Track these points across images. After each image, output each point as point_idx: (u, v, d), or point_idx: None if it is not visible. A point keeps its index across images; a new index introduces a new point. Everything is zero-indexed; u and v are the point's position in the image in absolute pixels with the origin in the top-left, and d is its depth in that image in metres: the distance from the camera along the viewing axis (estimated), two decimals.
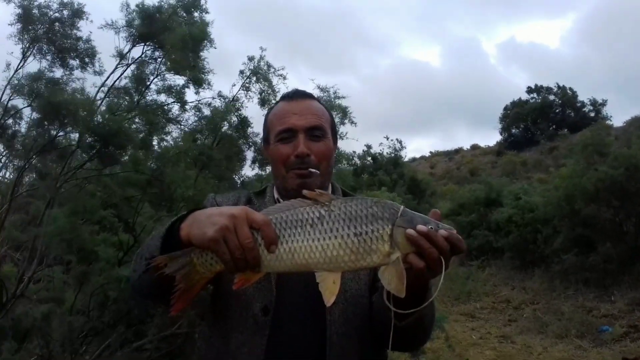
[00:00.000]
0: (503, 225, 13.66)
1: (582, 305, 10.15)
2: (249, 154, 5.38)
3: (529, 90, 43.41)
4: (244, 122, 4.77)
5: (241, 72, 5.28)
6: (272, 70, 5.30)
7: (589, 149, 11.76)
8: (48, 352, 3.92)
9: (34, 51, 3.95)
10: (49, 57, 3.93)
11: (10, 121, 4.41)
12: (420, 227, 1.26)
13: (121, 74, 4.57)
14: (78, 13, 4.19)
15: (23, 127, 4.21)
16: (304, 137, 1.73)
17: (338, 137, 1.98)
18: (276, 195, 1.87)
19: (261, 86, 5.19)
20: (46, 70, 3.86)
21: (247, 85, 5.20)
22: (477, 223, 14.75)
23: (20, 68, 3.90)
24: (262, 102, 5.16)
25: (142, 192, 3.96)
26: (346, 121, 5.92)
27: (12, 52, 3.96)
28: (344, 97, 6.08)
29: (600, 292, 10.53)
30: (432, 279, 1.37)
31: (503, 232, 13.68)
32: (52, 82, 3.73)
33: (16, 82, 3.90)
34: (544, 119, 40.21)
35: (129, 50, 4.56)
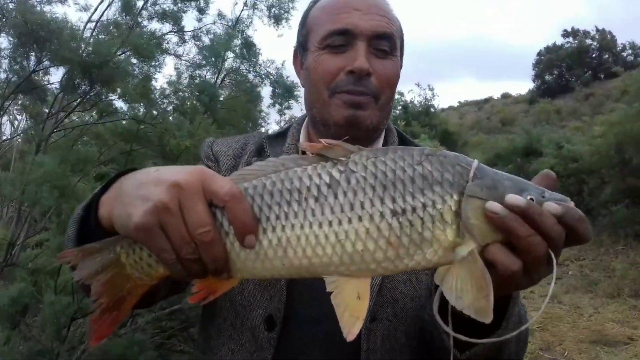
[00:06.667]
0: None
1: (634, 262, 9.42)
2: (266, 91, 4.53)
3: (565, 34, 41.87)
4: (250, 48, 3.91)
5: None
6: None
7: None
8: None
9: None
10: None
11: None
12: (512, 197, 0.80)
13: (108, 5, 3.83)
14: None
15: (4, 63, 3.52)
16: (366, 46, 1.26)
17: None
18: (302, 140, 1.40)
19: None
20: None
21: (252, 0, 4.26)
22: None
23: None
24: (276, 20, 4.21)
25: (138, 143, 3.29)
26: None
27: None
28: None
29: None
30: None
31: None
32: (25, 4, 3.04)
33: None
34: (580, 65, 38.79)
35: None
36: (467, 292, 0.81)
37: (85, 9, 3.24)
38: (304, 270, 0.85)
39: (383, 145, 1.40)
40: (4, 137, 5.15)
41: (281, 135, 1.48)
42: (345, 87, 1.26)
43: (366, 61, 1.25)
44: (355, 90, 1.26)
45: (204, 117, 3.20)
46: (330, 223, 0.83)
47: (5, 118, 5.69)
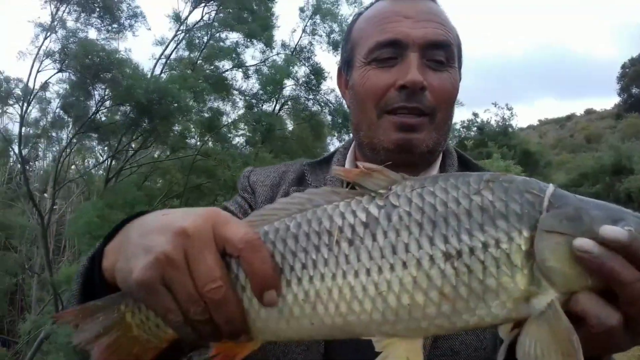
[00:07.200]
0: (636, 195, 12.14)
1: None
2: (326, 119, 4.44)
3: None
4: (319, 73, 3.84)
5: (301, 10, 4.31)
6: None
7: None
8: None
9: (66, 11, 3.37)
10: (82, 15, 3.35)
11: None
12: (609, 229, 0.60)
13: (179, 42, 3.90)
14: None
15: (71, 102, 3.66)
16: (419, 57, 1.11)
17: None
18: (348, 165, 1.27)
19: (329, 25, 4.14)
20: (79, 30, 3.28)
21: (311, 27, 4.20)
22: (603, 194, 13.26)
23: (49, 34, 3.35)
24: (334, 46, 4.16)
25: (199, 176, 3.26)
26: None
27: (38, 17, 3.43)
28: None
29: None
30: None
31: (636, 203, 12.15)
32: (87, 44, 3.12)
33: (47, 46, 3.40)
34: None
35: (189, 14, 3.87)
36: (547, 357, 0.62)
37: (160, 42, 3.32)
38: (338, 331, 0.70)
39: (440, 169, 1.24)
40: (90, 168, 5.38)
41: (325, 161, 1.34)
42: (396, 104, 1.12)
43: (419, 74, 1.10)
44: (408, 107, 1.11)
45: (260, 147, 3.11)
46: (368, 271, 0.68)
47: (87, 155, 5.96)
